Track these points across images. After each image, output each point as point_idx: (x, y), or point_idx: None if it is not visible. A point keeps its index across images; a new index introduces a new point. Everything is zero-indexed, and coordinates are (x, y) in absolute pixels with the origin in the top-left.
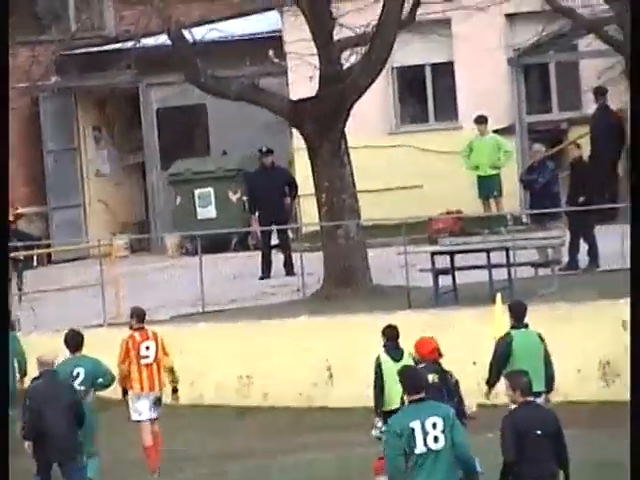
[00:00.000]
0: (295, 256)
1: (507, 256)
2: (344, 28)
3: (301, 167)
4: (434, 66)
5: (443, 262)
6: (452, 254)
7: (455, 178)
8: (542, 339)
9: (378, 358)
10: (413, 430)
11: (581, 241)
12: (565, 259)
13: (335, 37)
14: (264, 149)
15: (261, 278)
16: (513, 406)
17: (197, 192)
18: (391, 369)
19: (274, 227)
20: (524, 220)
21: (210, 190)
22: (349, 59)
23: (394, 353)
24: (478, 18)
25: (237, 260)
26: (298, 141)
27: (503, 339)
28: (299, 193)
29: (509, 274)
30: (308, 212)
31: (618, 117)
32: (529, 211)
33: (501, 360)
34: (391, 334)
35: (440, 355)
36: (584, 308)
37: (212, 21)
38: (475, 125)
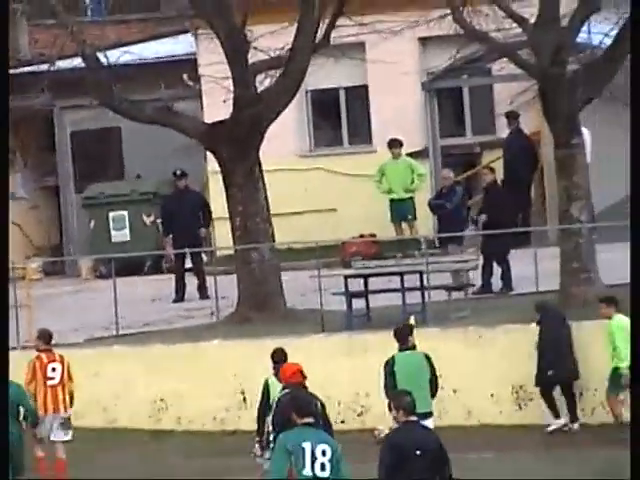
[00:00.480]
0: (209, 279)
1: (421, 279)
2: (258, 51)
3: (215, 190)
4: (348, 89)
5: (357, 285)
6: (365, 277)
7: (369, 201)
8: (429, 359)
9: (266, 380)
10: (304, 450)
11: (495, 265)
12: (478, 283)
13: (249, 60)
14: (178, 172)
15: (175, 301)
16: (396, 425)
17: (111, 215)
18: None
19: (188, 250)
20: (437, 244)
21: (124, 213)
22: (263, 82)
23: None
24: (392, 42)
25: (151, 283)
26: (212, 164)
27: (386, 363)
28: (213, 216)
29: (422, 297)
30: (222, 235)
31: (531, 140)
32: (443, 234)
33: (389, 384)
34: (279, 357)
35: (304, 377)
36: (497, 332)
37: (127, 44)
38: (388, 148)
